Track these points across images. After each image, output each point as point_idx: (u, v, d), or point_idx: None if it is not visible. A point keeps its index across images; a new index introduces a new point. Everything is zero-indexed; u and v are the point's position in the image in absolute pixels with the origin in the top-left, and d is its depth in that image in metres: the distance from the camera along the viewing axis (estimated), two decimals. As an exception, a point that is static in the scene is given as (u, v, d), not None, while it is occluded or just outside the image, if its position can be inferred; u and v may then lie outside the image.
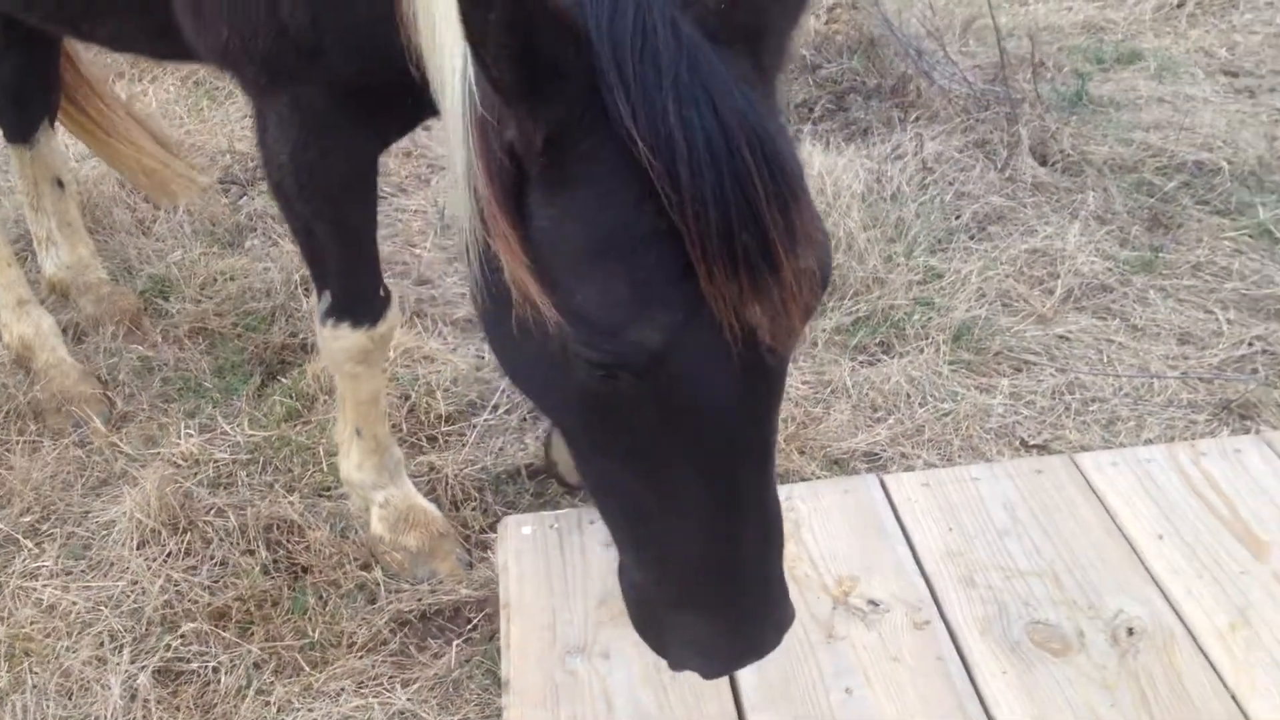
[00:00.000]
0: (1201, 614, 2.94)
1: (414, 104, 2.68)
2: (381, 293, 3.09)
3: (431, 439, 3.89)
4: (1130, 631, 2.90)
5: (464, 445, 3.84)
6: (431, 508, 3.46)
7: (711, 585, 1.83)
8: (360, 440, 3.32)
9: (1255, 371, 4.08)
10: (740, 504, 1.75)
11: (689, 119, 1.44)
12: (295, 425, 3.88)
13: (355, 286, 3.04)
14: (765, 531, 1.80)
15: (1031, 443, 3.80)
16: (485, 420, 3.92)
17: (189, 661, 3.15)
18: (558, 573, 3.14)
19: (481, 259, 1.75)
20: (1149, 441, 3.73)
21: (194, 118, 5.77)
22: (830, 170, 4.80)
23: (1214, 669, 2.79)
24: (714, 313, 1.53)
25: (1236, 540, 3.14)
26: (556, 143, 1.52)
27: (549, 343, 1.65)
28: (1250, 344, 4.20)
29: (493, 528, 3.47)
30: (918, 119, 5.31)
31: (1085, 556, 3.12)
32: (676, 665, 2.08)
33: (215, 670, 3.13)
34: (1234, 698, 2.72)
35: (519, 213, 1.57)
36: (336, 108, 2.60)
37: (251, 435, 3.85)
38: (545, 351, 1.68)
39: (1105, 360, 4.14)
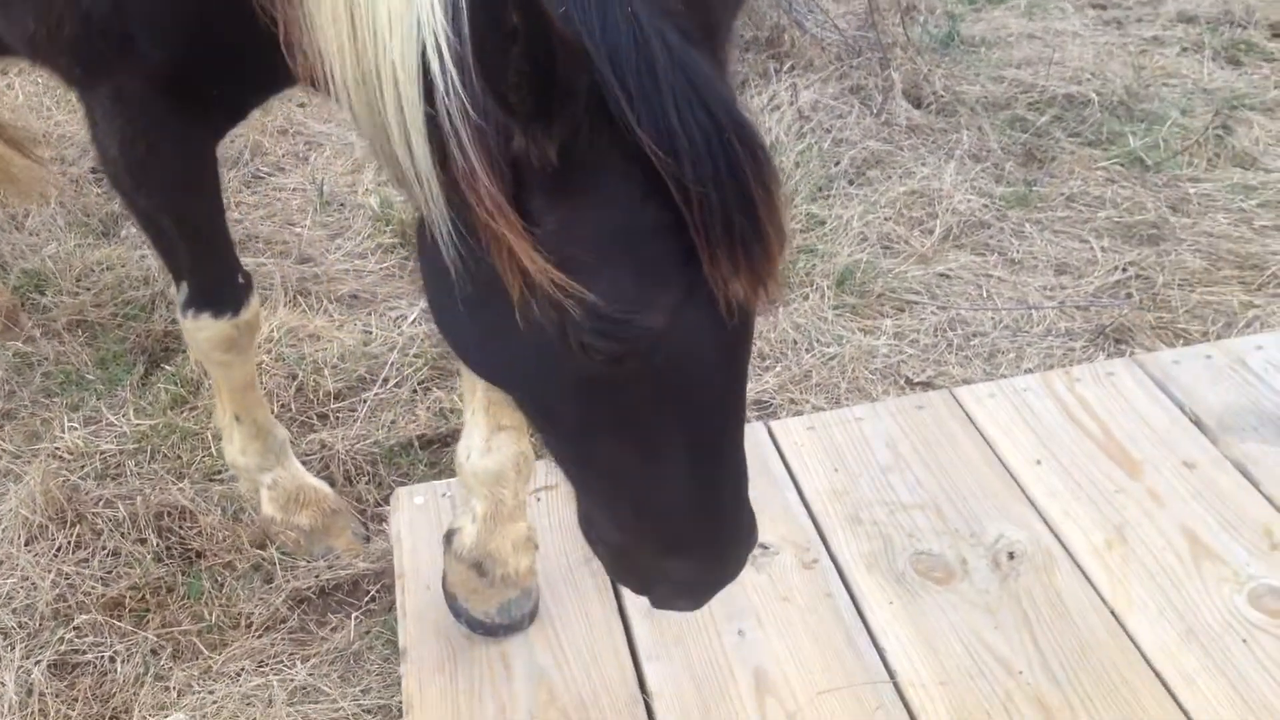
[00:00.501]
0: (1079, 533, 3.03)
1: (243, 90, 2.67)
2: (240, 280, 3.04)
3: (322, 416, 3.86)
4: (1011, 555, 2.98)
5: (355, 421, 3.82)
6: (322, 485, 3.45)
7: (699, 531, 1.95)
8: (241, 425, 3.29)
9: (1129, 296, 4.18)
10: (723, 455, 1.89)
11: (686, 118, 1.56)
12: (181, 412, 3.83)
13: (211, 277, 2.98)
14: (741, 475, 1.95)
15: (916, 380, 3.87)
16: (375, 394, 3.90)
17: (84, 653, 3.11)
18: (451, 539, 3.15)
19: (458, 258, 1.80)
20: (1028, 371, 3.82)
21: (62, 108, 5.64)
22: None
23: (1092, 586, 2.89)
24: (710, 291, 1.66)
25: (1111, 461, 3.24)
26: (562, 153, 1.62)
27: (539, 336, 1.73)
28: (1124, 269, 4.31)
29: (387, 500, 3.46)
30: (792, 69, 5.35)
31: (966, 487, 3.19)
32: (661, 604, 2.18)
33: (112, 660, 3.10)
34: (1112, 612, 2.82)
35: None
36: (160, 98, 2.52)
37: (138, 424, 3.80)
38: (536, 344, 1.76)
39: (985, 295, 4.22)
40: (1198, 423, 3.35)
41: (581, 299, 1.64)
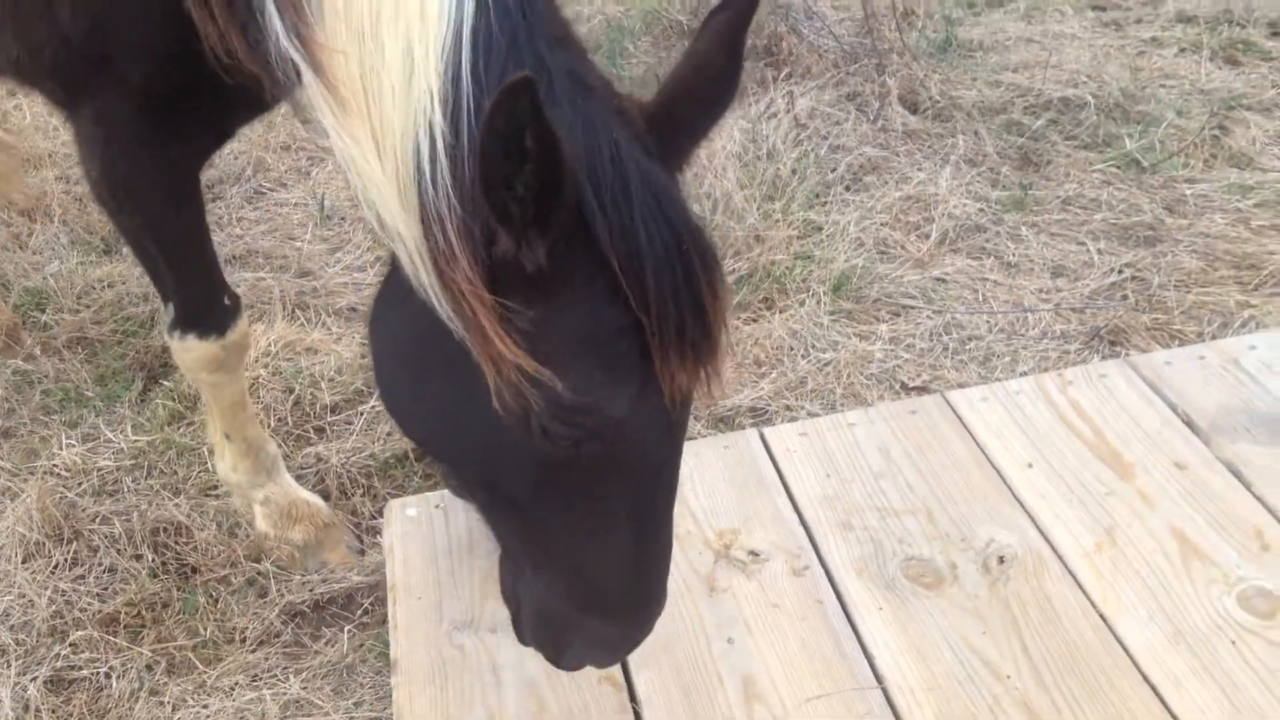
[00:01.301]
0: (1069, 537, 3.02)
1: (225, 111, 2.68)
2: (227, 301, 3.05)
3: (319, 430, 3.88)
4: (1001, 559, 2.97)
5: (350, 434, 3.84)
6: (315, 499, 3.46)
7: (632, 594, 2.12)
8: (231, 443, 3.31)
9: (1125, 298, 4.17)
10: (658, 525, 2.05)
11: (652, 234, 1.72)
12: (179, 427, 3.86)
13: (196, 298, 3.00)
14: (668, 546, 2.11)
15: (911, 385, 3.87)
16: (371, 407, 3.91)
17: (80, 669, 3.14)
18: (443, 551, 3.16)
19: (429, 340, 1.90)
20: (1024, 374, 3.81)
21: (70, 129, 5.68)
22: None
23: (1081, 589, 2.88)
24: (659, 385, 1.81)
25: (1102, 463, 3.23)
26: (547, 257, 1.74)
27: (499, 420, 1.84)
28: (1120, 271, 4.30)
29: (382, 513, 3.47)
30: (789, 76, 5.36)
31: (957, 490, 3.19)
32: (571, 665, 2.32)
33: (107, 675, 3.12)
34: (1101, 616, 2.81)
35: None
36: (140, 119, 2.54)
37: (135, 440, 3.82)
38: (492, 425, 1.86)
39: (980, 299, 4.22)
40: (1190, 424, 3.33)
41: (549, 389, 1.76)
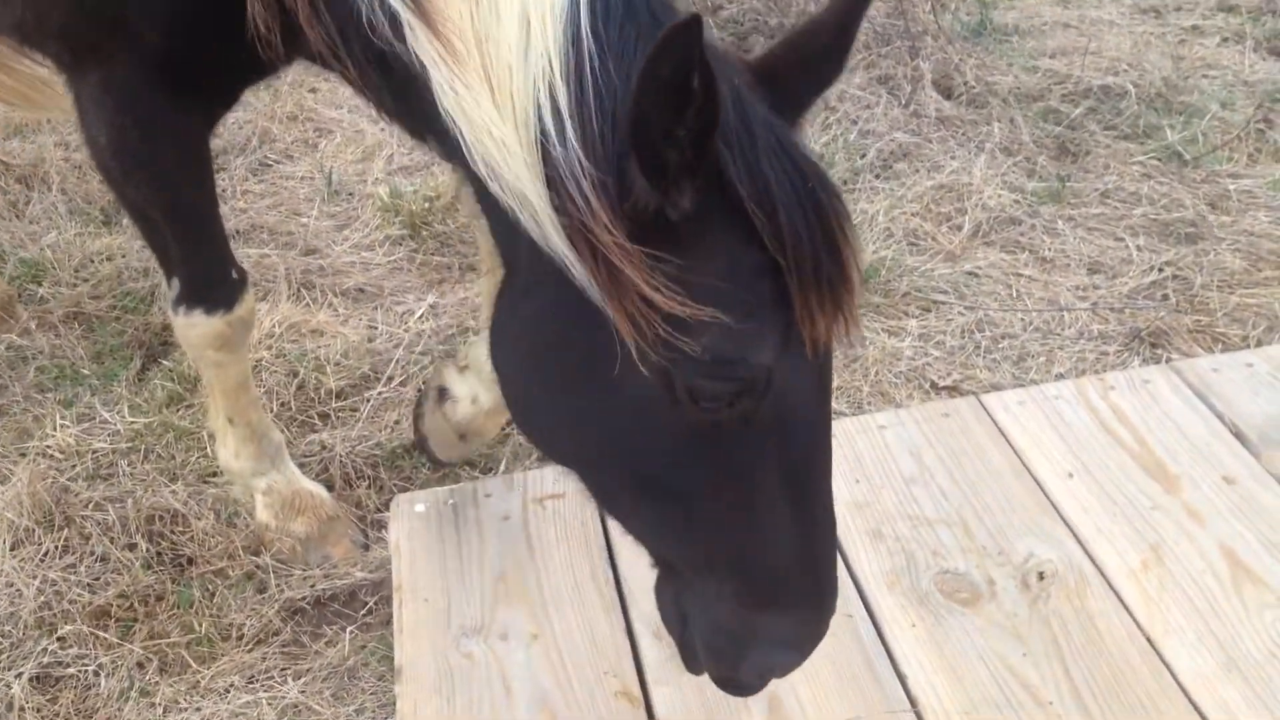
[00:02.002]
0: (1113, 553, 2.87)
1: (238, 72, 2.57)
2: (234, 275, 2.93)
3: (323, 416, 3.72)
4: (1041, 576, 2.82)
5: (357, 421, 3.68)
6: (319, 490, 3.31)
7: (807, 577, 1.95)
8: (234, 428, 3.16)
9: (1165, 298, 4.00)
10: (822, 496, 1.92)
11: (779, 173, 1.68)
12: (177, 410, 3.70)
13: (203, 272, 2.89)
14: (833, 517, 1.96)
15: (941, 384, 3.70)
16: (379, 394, 3.76)
17: (68, 665, 2.99)
18: (452, 551, 3.01)
19: (556, 335, 1.88)
20: (1060, 376, 3.65)
21: (71, 94, 5.51)
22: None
23: (1127, 610, 2.72)
24: (799, 332, 1.75)
25: (1146, 474, 3.07)
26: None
27: (639, 398, 1.79)
28: (1160, 270, 4.13)
29: (388, 506, 3.32)
30: (818, 57, 5.16)
31: (994, 500, 3.03)
32: (754, 679, 2.10)
33: (96, 673, 2.97)
34: (1148, 639, 2.66)
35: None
36: (153, 84, 2.44)
37: (132, 422, 3.67)
38: (640, 408, 1.80)
39: (1014, 295, 4.05)
40: (1238, 435, 3.17)
41: (696, 341, 1.70)
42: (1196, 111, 5.01)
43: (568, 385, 1.90)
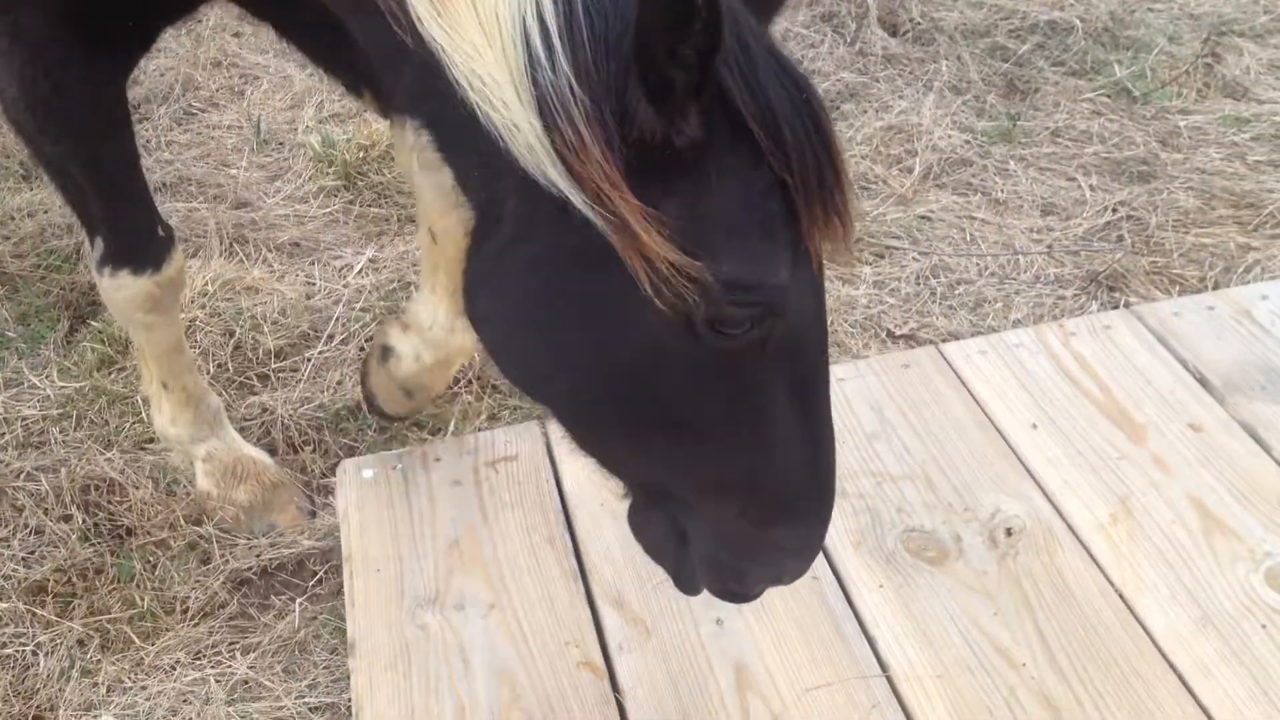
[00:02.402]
0: (1081, 506, 2.82)
1: (155, 12, 2.45)
2: (161, 232, 2.79)
3: (262, 377, 3.58)
4: (1009, 532, 2.77)
5: (298, 382, 3.54)
6: (262, 456, 3.19)
7: (814, 485, 1.94)
8: (169, 393, 3.03)
9: (1121, 239, 3.95)
10: (824, 403, 1.90)
11: (777, 91, 1.62)
12: (110, 373, 3.54)
13: (128, 230, 2.74)
14: (832, 422, 1.94)
15: (898, 333, 3.63)
16: (319, 353, 3.62)
17: (4, 646, 2.86)
18: (403, 518, 2.91)
19: (557, 277, 1.77)
20: (1017, 322, 3.59)
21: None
22: None
23: (1098, 565, 2.68)
24: (804, 246, 1.71)
25: (1112, 424, 3.03)
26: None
27: (659, 335, 1.71)
28: (1114, 210, 4.07)
29: (334, 470, 3.21)
30: (762, -7, 5.04)
31: (958, 454, 2.98)
32: (759, 585, 2.08)
33: (35, 652, 2.84)
34: (1120, 595, 2.62)
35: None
36: (62, 29, 2.29)
37: (62, 387, 3.51)
38: (655, 345, 1.73)
39: (969, 239, 3.98)
40: (1203, 381, 3.13)
41: (715, 269, 1.64)
42: (1144, 46, 4.95)
43: (569, 329, 1.81)
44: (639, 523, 2.10)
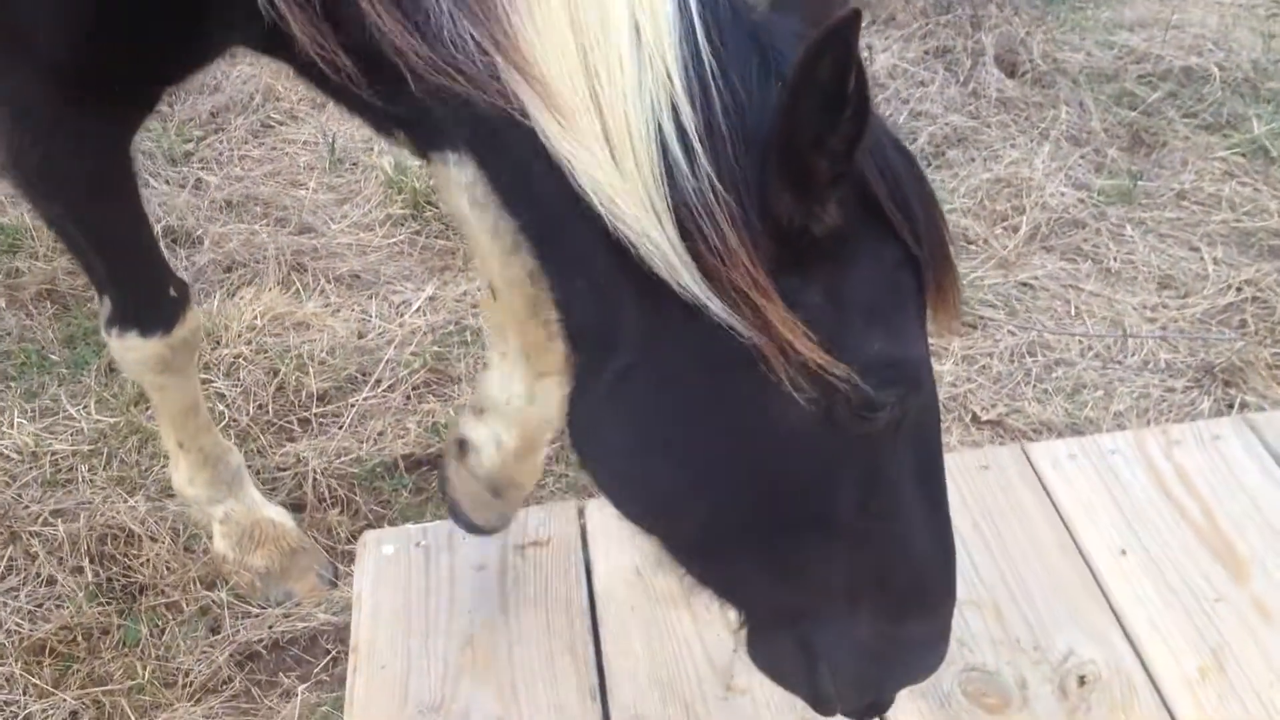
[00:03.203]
0: (1167, 655, 2.49)
1: (158, 73, 2.27)
2: (173, 291, 2.62)
3: (303, 422, 3.42)
4: (1082, 680, 2.45)
5: (338, 429, 3.36)
6: (283, 518, 3.01)
7: (941, 575, 1.88)
8: (185, 453, 2.87)
9: (1243, 324, 3.59)
10: (944, 483, 1.85)
11: (900, 163, 1.60)
12: (146, 408, 3.39)
13: (134, 290, 2.60)
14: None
15: (984, 418, 3.32)
16: (364, 399, 3.44)
17: (-5, 715, 2.73)
18: (418, 606, 2.68)
19: (670, 384, 1.69)
20: (1118, 415, 3.26)
21: None
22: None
23: (1179, 730, 2.35)
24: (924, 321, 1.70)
25: (1212, 556, 2.68)
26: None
27: (795, 422, 1.64)
28: (1239, 289, 3.71)
29: (363, 533, 3.01)
30: (870, 24, 4.72)
31: (1033, 579, 2.65)
32: (895, 689, 2.01)
33: (25, 723, 2.71)
34: (1201, 770, 2.29)
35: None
36: (52, 97, 2.14)
37: (98, 421, 3.38)
38: (786, 435, 1.67)
39: (1073, 313, 3.65)
40: (1320, 511, 2.77)
41: (860, 353, 1.60)
42: (1288, 100, 4.54)
43: (708, 443, 1.72)
44: (765, 651, 1.98)
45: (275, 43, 1.82)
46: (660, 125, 1.50)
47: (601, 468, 1.88)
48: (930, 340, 1.78)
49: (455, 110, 1.62)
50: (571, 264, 1.71)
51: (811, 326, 1.56)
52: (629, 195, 1.52)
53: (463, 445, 2.70)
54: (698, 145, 1.50)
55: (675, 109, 1.49)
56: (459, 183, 2.60)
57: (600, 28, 1.50)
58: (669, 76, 1.49)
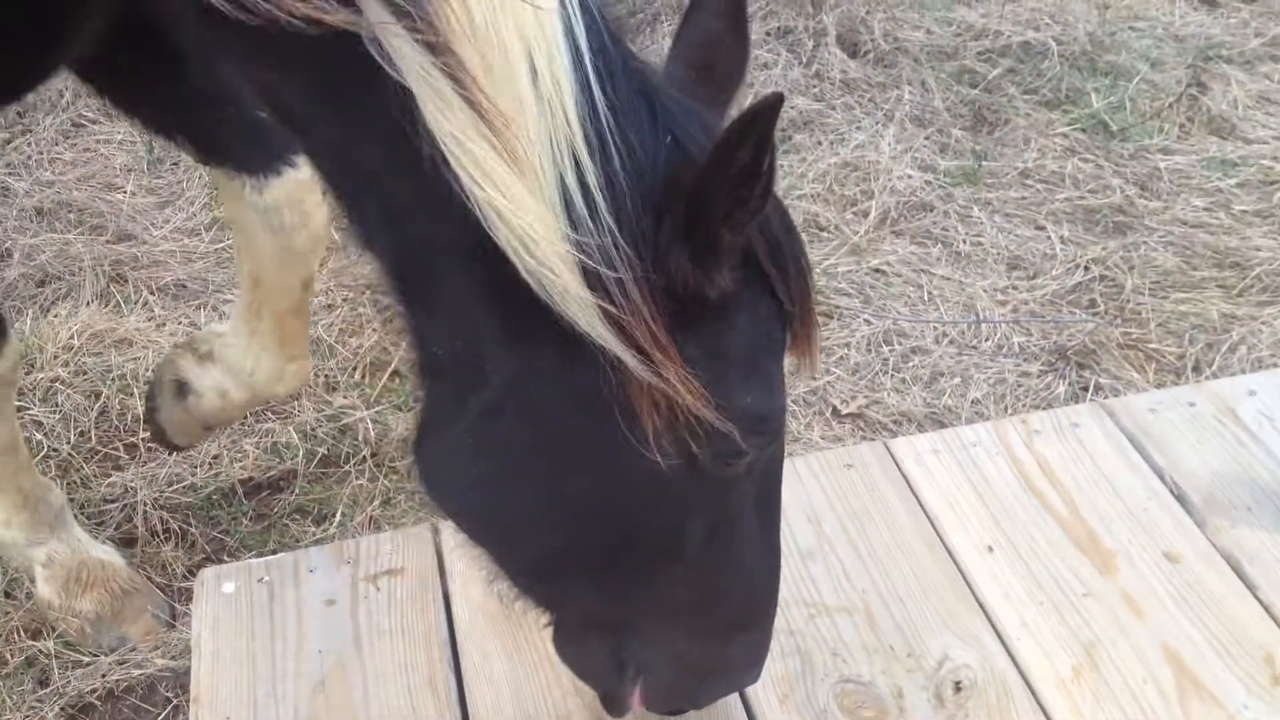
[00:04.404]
0: (1040, 654, 2.45)
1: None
2: None
3: (130, 448, 3.20)
4: (958, 686, 2.40)
5: (169, 454, 3.15)
6: (112, 557, 2.81)
7: (768, 596, 1.99)
8: (2, 495, 2.64)
9: (1093, 304, 3.59)
10: (778, 514, 1.95)
11: (779, 225, 1.65)
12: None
13: None
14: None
15: (844, 411, 3.26)
16: (196, 419, 3.22)
17: None
18: (264, 650, 2.51)
19: (530, 421, 1.70)
20: (976, 403, 3.23)
21: None
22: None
23: (1057, 734, 2.32)
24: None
25: (1078, 549, 2.66)
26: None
27: (653, 466, 1.67)
28: (1086, 268, 3.72)
29: (201, 567, 2.82)
30: (711, 5, 4.61)
31: (903, 581, 2.60)
32: (713, 697, 2.15)
33: None
34: (1081, 774, 2.26)
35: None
36: None
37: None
38: (645, 477, 1.68)
39: (926, 298, 3.61)
40: (1180, 497, 2.77)
41: (735, 406, 1.65)
42: (1124, 73, 4.58)
43: (569, 478, 1.76)
44: (569, 649, 2.08)
45: None
46: (563, 176, 1.50)
47: (454, 501, 1.89)
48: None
49: (330, 150, 1.67)
50: (439, 305, 1.68)
51: (696, 380, 1.60)
52: (546, 243, 1.52)
53: (181, 386, 2.87)
54: (599, 198, 1.51)
55: (577, 160, 1.50)
56: (241, 193, 2.58)
57: (505, 69, 1.48)
58: (569, 125, 1.48)
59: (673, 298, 1.57)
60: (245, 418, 3.22)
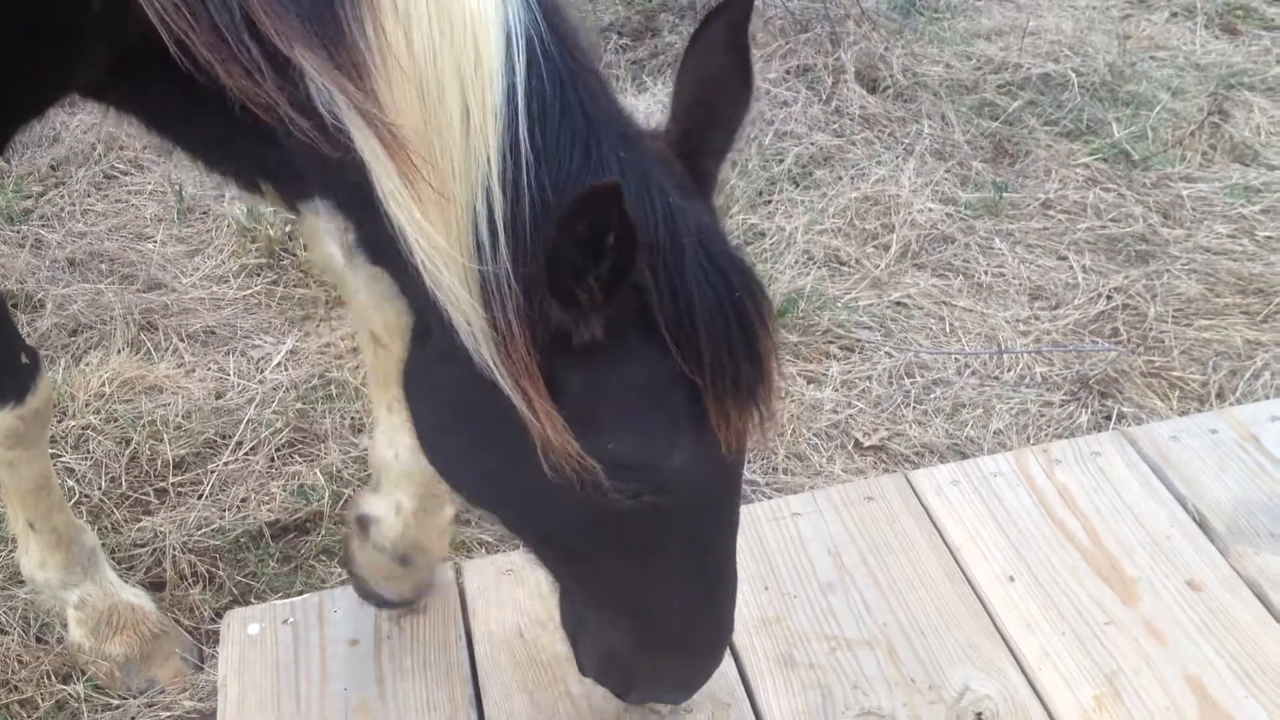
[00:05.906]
0: (1063, 685, 2.46)
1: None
2: (23, 359, 2.45)
3: (160, 492, 3.24)
4: (979, 718, 2.40)
5: (198, 498, 3.19)
6: (141, 602, 2.84)
7: (701, 633, 2.05)
8: (36, 534, 2.69)
9: (1115, 333, 3.58)
10: (722, 565, 1.98)
11: (703, 286, 1.66)
12: (-11, 488, 3.19)
13: None
14: (734, 578, 2.03)
15: (866, 444, 3.27)
16: (225, 464, 3.27)
17: None
18: (288, 691, 2.55)
19: (481, 401, 1.79)
20: (998, 434, 3.22)
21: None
22: (634, 112, 4.15)
23: (1078, 766, 2.31)
24: (715, 432, 1.76)
25: (1100, 579, 2.66)
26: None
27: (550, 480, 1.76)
28: (1109, 297, 3.70)
29: (228, 609, 2.85)
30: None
31: (924, 614, 2.61)
32: (642, 700, 2.26)
33: None
34: (1104, 805, 2.25)
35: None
36: None
37: (-66, 507, 3.15)
38: (548, 484, 1.77)
39: (948, 330, 3.61)
40: (1203, 524, 2.76)
41: (601, 448, 1.71)
42: (1145, 102, 4.58)
43: (483, 445, 1.89)
44: (566, 616, 2.22)
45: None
46: (475, 206, 1.62)
47: (413, 410, 2.03)
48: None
49: (325, 165, 1.70)
50: (410, 290, 1.85)
51: (568, 411, 1.69)
52: (447, 265, 1.64)
53: (362, 521, 2.61)
54: (502, 233, 1.62)
55: (489, 194, 1.61)
56: (328, 231, 2.49)
57: (438, 100, 1.59)
58: (488, 162, 1.59)
59: (551, 335, 1.67)
60: (274, 459, 3.25)
